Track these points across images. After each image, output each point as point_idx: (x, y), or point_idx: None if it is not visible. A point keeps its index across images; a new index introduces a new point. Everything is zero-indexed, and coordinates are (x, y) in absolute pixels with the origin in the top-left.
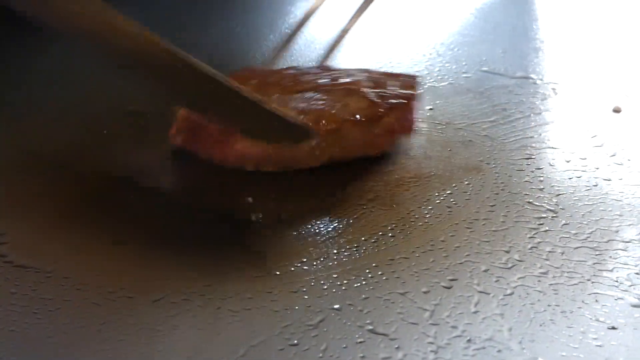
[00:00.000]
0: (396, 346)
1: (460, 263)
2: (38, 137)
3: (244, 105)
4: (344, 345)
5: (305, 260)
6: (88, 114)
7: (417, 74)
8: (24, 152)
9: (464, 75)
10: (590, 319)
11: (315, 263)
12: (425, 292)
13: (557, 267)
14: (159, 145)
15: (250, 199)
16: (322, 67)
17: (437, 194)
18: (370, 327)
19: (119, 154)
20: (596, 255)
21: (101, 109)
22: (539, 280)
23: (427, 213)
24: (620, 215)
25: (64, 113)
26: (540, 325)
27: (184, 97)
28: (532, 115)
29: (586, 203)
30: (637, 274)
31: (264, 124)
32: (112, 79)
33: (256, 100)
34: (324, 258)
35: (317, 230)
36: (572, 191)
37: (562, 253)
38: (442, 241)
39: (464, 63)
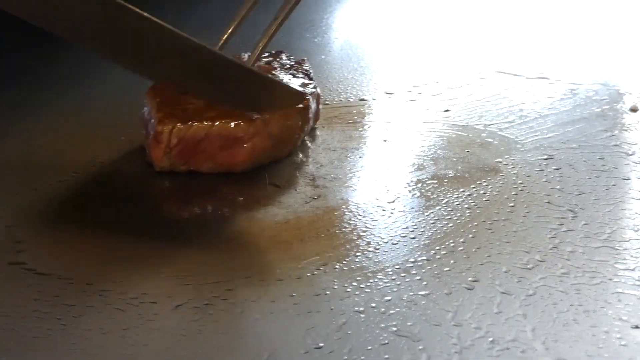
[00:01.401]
0: (420, 347)
1: (481, 264)
2: (54, 144)
3: (236, 73)
4: (368, 347)
5: (326, 263)
6: (102, 120)
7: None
8: (40, 160)
9: (480, 76)
10: (614, 318)
11: (337, 266)
12: (447, 294)
13: (578, 267)
14: None
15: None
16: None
17: (456, 195)
18: (394, 329)
19: (137, 161)
20: (617, 254)
21: (117, 115)
22: (561, 281)
23: (446, 215)
24: None
25: (79, 119)
26: (564, 325)
27: (174, 70)
28: (549, 115)
29: (606, 202)
30: None
31: (257, 91)
32: (126, 85)
33: (247, 67)
34: (345, 261)
35: (337, 234)
36: (591, 191)
37: (583, 253)
38: (463, 242)
39: (479, 65)
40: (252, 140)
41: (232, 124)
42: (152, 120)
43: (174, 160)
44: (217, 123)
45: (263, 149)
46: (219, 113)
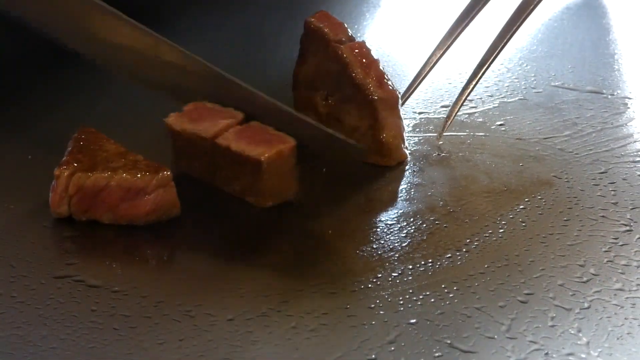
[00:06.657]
0: None
1: (536, 277)
2: None
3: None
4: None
5: (380, 276)
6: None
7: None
8: None
9: (534, 90)
10: None
11: (390, 279)
12: (501, 307)
13: (633, 281)
14: None
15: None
16: None
17: (510, 209)
18: (448, 342)
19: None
20: None
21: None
22: (615, 294)
23: (500, 228)
24: None
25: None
26: (618, 339)
27: None
28: (603, 129)
29: None
30: None
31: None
32: None
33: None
34: (399, 274)
35: (392, 247)
36: None
37: (638, 267)
38: (517, 256)
39: (533, 78)
40: (156, 192)
41: (134, 175)
42: None
43: (74, 209)
44: (118, 173)
45: (172, 201)
46: (127, 162)
